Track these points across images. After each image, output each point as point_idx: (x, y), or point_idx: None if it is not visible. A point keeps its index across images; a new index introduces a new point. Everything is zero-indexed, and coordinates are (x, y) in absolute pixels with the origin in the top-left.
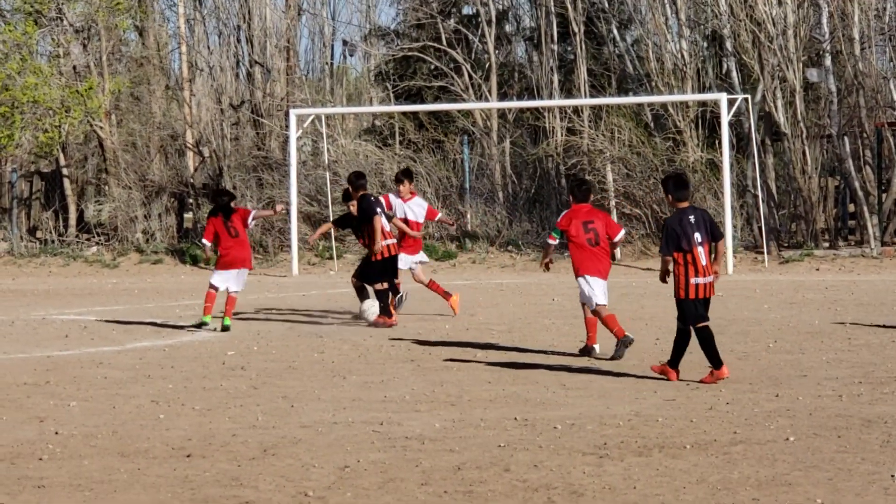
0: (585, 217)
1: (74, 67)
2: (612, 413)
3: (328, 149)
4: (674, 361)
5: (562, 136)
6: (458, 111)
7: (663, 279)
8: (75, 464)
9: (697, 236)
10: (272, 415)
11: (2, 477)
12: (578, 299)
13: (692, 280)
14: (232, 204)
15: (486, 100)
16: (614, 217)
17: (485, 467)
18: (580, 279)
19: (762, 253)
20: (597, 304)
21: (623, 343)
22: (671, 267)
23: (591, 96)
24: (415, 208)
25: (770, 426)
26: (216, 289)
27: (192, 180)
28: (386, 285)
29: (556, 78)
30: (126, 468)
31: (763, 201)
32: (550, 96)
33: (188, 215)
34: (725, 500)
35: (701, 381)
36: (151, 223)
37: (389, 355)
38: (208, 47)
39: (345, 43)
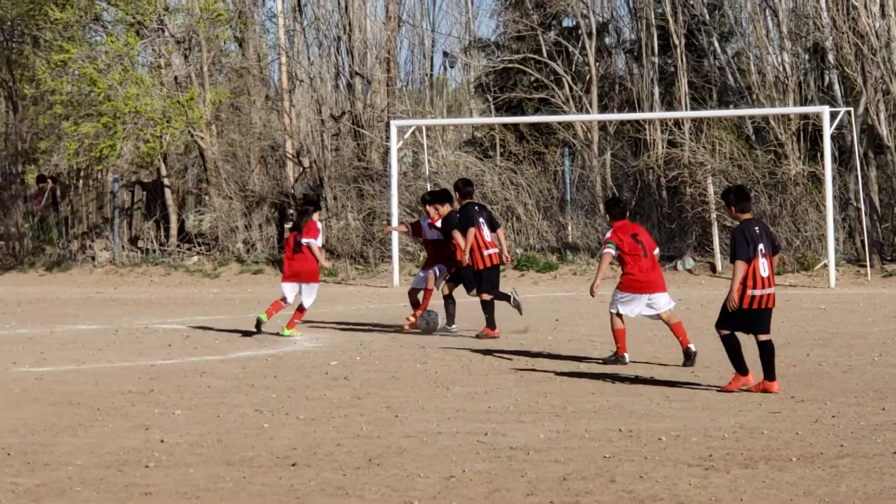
0: (632, 230)
1: (175, 78)
2: (717, 425)
3: (428, 160)
4: (740, 367)
5: (662, 148)
6: (559, 123)
7: (734, 293)
8: (181, 472)
9: (761, 247)
10: (376, 424)
11: (109, 484)
12: (662, 310)
13: (749, 291)
14: (315, 215)
15: (587, 112)
16: (715, 230)
17: (590, 478)
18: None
19: (865, 266)
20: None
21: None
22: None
23: (692, 109)
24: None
25: (877, 439)
26: (286, 301)
27: (292, 191)
28: (489, 296)
29: (656, 90)
30: (231, 476)
31: (866, 214)
32: (651, 108)
33: (288, 226)
34: None
35: (723, 389)
36: (252, 233)
37: (493, 366)
38: (308, 58)
39: (445, 54)
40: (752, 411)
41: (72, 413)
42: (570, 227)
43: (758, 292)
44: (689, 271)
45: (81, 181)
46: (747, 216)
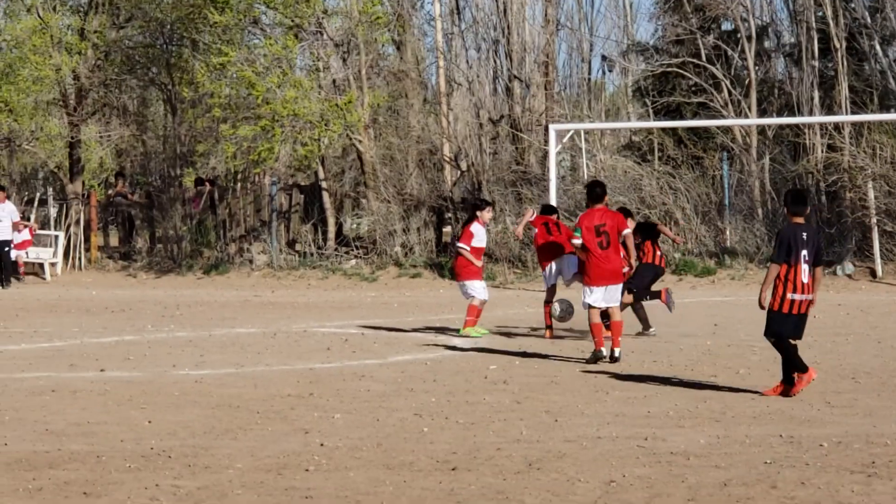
0: (599, 220)
1: (334, 81)
2: (879, 432)
3: (587, 164)
4: (799, 368)
5: (822, 152)
6: (718, 127)
7: (764, 295)
8: (341, 475)
9: (804, 253)
10: (536, 429)
11: (270, 487)
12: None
13: (789, 295)
14: (484, 212)
15: (746, 116)
16: (875, 235)
17: (751, 484)
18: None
19: None
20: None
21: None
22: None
23: (852, 113)
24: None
25: None
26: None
27: (450, 194)
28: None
29: (816, 94)
30: (392, 480)
31: None
32: (811, 113)
33: (447, 229)
34: None
35: (763, 393)
36: (410, 237)
37: (651, 371)
38: (467, 61)
39: (603, 58)
40: None
41: (231, 416)
42: (728, 232)
43: (798, 297)
44: (849, 276)
45: (239, 184)
46: (799, 220)
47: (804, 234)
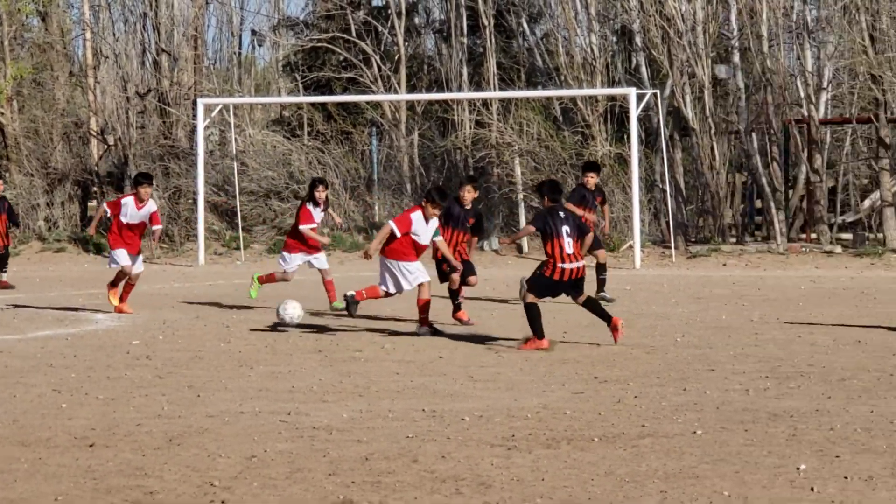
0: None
1: None
2: (520, 405)
3: (235, 139)
4: (538, 332)
5: (470, 128)
6: (367, 103)
7: (513, 241)
8: None
9: (566, 229)
10: (178, 404)
11: None
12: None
13: (559, 265)
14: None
15: (395, 92)
16: (522, 210)
17: (393, 458)
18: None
19: (670, 248)
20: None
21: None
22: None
23: (500, 89)
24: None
25: (678, 419)
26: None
27: (96, 168)
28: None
29: (465, 71)
30: (27, 458)
31: (671, 196)
32: (459, 89)
33: (92, 203)
34: (633, 492)
35: (520, 348)
36: (54, 211)
37: (297, 346)
38: (114, 34)
39: (253, 33)
40: (555, 392)
41: None
42: (377, 207)
43: (567, 266)
44: (496, 252)
45: None
46: (553, 204)
47: (560, 213)
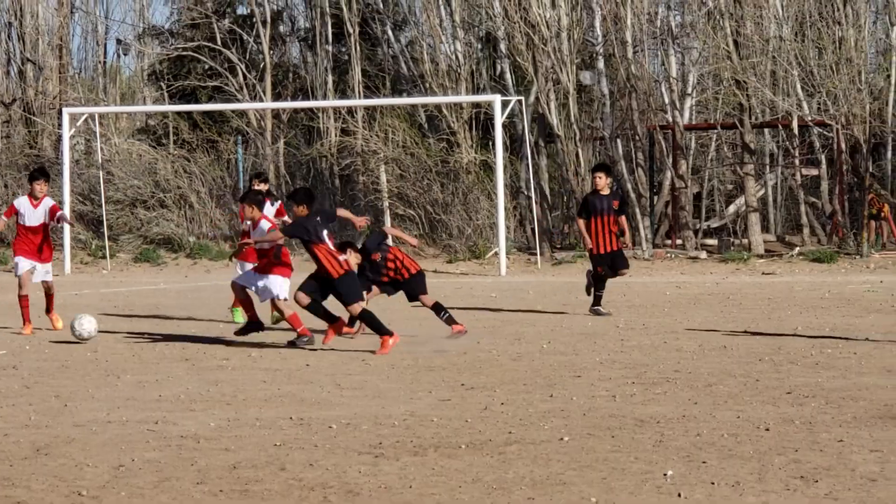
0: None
1: None
2: (388, 413)
3: (101, 148)
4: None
5: (336, 136)
6: (233, 111)
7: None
8: None
9: (325, 233)
10: (45, 414)
11: None
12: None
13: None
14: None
15: (261, 100)
16: (388, 218)
17: (260, 466)
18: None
19: (535, 254)
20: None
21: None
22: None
23: (366, 97)
24: None
25: (544, 426)
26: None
27: None
28: None
29: (330, 78)
30: None
31: (536, 203)
32: (325, 97)
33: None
34: (501, 499)
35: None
36: None
37: (164, 354)
38: None
39: (118, 42)
40: (422, 399)
41: None
42: None
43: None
44: None
45: None
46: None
47: (318, 218)
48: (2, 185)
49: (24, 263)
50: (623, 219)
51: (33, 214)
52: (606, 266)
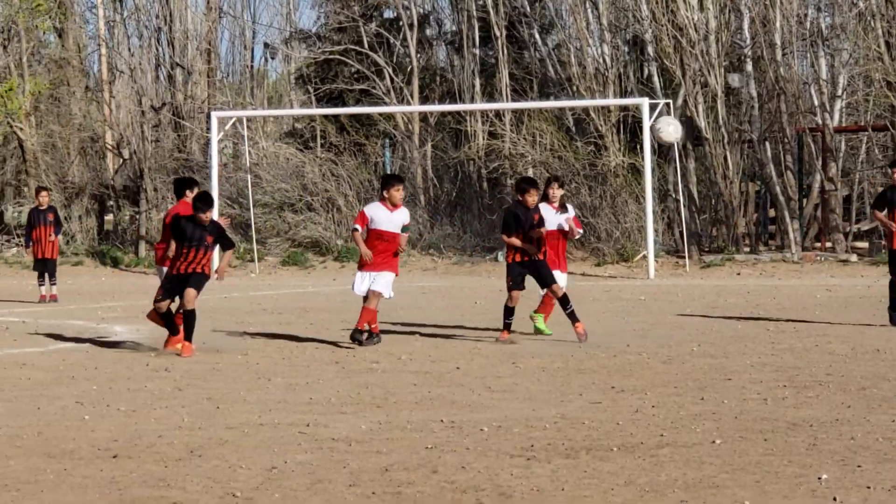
0: None
1: None
2: (539, 415)
3: (249, 151)
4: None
5: (483, 139)
6: (380, 114)
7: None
8: (1, 464)
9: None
10: (198, 416)
11: None
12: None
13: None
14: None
15: (408, 103)
16: None
17: (412, 469)
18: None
19: (683, 257)
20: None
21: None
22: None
23: (513, 100)
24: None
25: (696, 429)
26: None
27: (112, 182)
28: None
29: (477, 82)
30: (52, 469)
31: (684, 206)
32: (472, 100)
33: (109, 217)
34: (653, 502)
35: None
36: (72, 225)
37: (314, 357)
38: (129, 49)
39: (266, 46)
40: (573, 402)
41: None
42: None
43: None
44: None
45: None
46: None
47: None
48: (151, 188)
49: None
50: None
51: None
52: None
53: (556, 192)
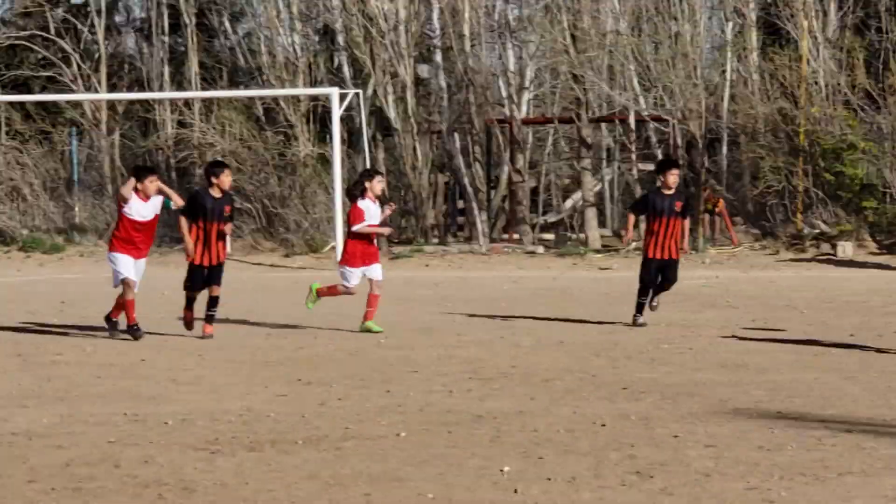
0: None
1: None
2: (224, 408)
3: None
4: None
5: (172, 128)
6: (67, 102)
7: None
8: None
9: None
10: None
11: None
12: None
13: None
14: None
15: (96, 91)
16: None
17: (94, 463)
18: None
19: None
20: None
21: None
22: None
23: (203, 89)
24: None
25: (381, 422)
26: None
27: None
28: None
29: (166, 70)
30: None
31: None
32: (161, 88)
33: None
34: (337, 495)
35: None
36: None
37: None
38: None
39: None
40: (258, 394)
41: None
42: (77, 208)
43: None
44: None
45: None
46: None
47: None
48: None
49: None
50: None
51: None
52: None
53: (377, 186)
